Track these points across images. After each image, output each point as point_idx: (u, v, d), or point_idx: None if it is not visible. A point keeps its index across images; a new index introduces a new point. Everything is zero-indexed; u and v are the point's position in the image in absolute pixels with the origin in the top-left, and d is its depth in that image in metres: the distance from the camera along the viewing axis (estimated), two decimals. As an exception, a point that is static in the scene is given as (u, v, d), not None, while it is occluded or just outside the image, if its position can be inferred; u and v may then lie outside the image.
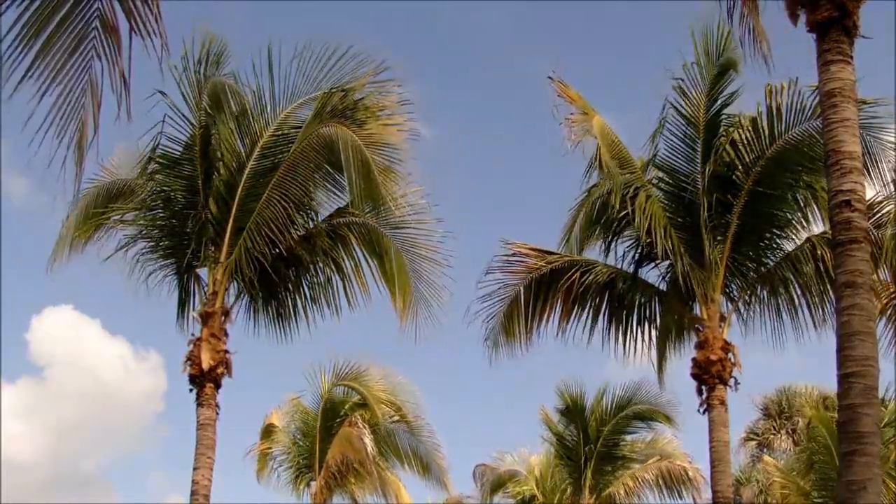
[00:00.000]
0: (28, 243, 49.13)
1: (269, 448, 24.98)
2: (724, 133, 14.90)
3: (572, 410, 24.80)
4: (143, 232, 14.97)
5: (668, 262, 15.51)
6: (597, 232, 16.02)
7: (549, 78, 14.85)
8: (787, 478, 25.50)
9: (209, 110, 14.28)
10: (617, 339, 15.91)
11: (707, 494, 25.12)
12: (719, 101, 14.86)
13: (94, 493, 47.94)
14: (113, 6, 6.53)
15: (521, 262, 15.64)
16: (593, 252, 16.09)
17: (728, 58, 14.33)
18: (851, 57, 8.75)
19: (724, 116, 14.96)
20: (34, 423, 50.78)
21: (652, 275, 15.86)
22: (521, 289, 15.65)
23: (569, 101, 14.81)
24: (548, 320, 15.81)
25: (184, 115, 14.28)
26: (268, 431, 25.02)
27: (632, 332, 15.88)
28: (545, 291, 15.65)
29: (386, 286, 15.09)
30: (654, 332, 15.93)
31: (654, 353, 16.00)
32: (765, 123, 14.47)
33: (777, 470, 26.71)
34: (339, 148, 13.49)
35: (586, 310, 15.80)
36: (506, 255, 15.62)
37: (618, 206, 14.46)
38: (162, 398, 50.77)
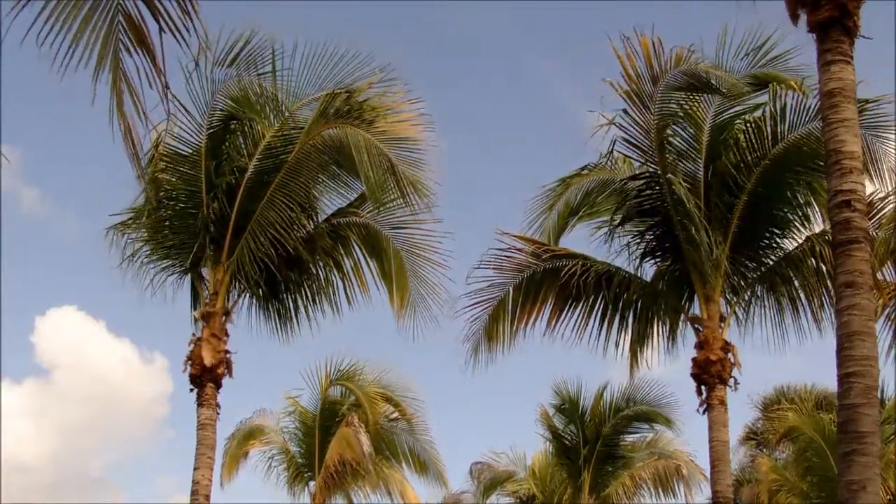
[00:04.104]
0: (35, 248, 49.71)
1: (247, 450, 24.90)
2: (730, 135, 14.85)
3: (569, 409, 24.79)
4: (148, 233, 14.98)
5: (668, 261, 15.54)
6: (572, 223, 16.06)
7: (629, 34, 13.37)
8: (780, 475, 25.49)
9: (227, 108, 14.24)
10: (612, 337, 15.88)
11: (705, 492, 25.19)
12: (738, 108, 14.62)
13: (100, 494, 48.15)
14: (136, 3, 6.67)
15: (513, 258, 15.48)
16: (572, 244, 16.17)
17: (771, 73, 13.78)
18: (852, 57, 8.75)
19: (738, 121, 14.81)
20: (40, 424, 50.93)
21: (650, 274, 15.91)
22: (511, 289, 15.50)
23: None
24: (537, 319, 15.67)
25: (189, 114, 14.24)
26: (251, 434, 24.90)
27: (628, 330, 15.89)
28: (536, 289, 15.49)
29: (384, 285, 15.13)
30: (652, 331, 15.94)
31: (651, 351, 16.02)
32: (769, 124, 14.44)
33: (771, 470, 26.67)
34: (351, 149, 13.46)
35: (580, 307, 15.67)
36: (499, 250, 15.43)
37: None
38: (167, 400, 50.88)
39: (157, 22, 6.71)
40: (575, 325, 15.72)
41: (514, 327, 15.63)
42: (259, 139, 14.51)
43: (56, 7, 6.56)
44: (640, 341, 15.89)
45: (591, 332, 15.76)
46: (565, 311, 15.67)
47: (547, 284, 15.45)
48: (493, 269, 15.46)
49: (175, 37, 6.76)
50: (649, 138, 14.55)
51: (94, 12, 6.66)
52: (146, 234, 15.05)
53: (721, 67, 13.77)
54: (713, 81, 13.70)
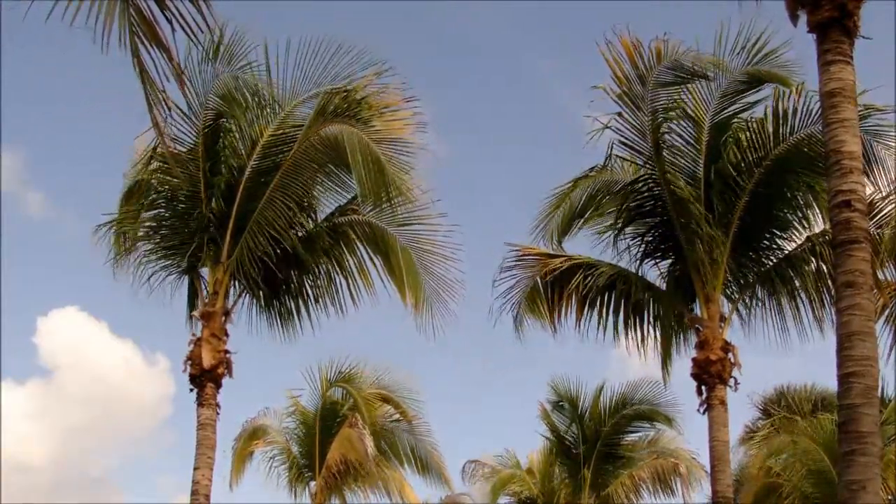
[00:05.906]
0: (37, 248, 49.87)
1: (252, 450, 24.89)
2: (731, 135, 14.84)
3: (568, 407, 24.73)
4: (148, 232, 14.97)
5: (669, 261, 15.56)
6: (578, 225, 16.18)
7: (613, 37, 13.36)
8: (775, 471, 25.43)
9: (217, 107, 14.21)
10: (613, 337, 16.12)
11: (706, 491, 25.13)
12: (735, 106, 14.55)
13: (101, 494, 48.03)
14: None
15: (534, 259, 15.96)
16: (578, 244, 16.42)
17: (764, 71, 13.66)
18: (852, 57, 8.74)
19: (735, 120, 14.79)
20: (42, 424, 50.91)
21: (652, 274, 15.97)
22: (538, 279, 15.94)
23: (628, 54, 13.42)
24: (566, 313, 16.11)
25: (185, 114, 14.20)
26: (255, 434, 24.89)
27: (636, 331, 15.99)
28: (559, 288, 15.95)
29: (393, 284, 15.04)
30: (656, 332, 15.99)
31: (658, 352, 16.07)
32: (770, 126, 14.42)
33: (760, 474, 26.59)
34: (346, 147, 13.43)
35: (595, 309, 16.03)
36: (516, 255, 15.94)
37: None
38: (170, 401, 50.80)
39: (167, 19, 6.75)
40: (594, 325, 16.13)
41: (551, 309, 16.05)
42: (257, 138, 14.46)
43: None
44: (645, 341, 16.02)
45: (597, 334, 16.13)
46: (585, 313, 16.05)
47: (567, 287, 15.89)
48: (519, 268, 16.02)
49: (187, 34, 6.81)
50: (646, 139, 14.56)
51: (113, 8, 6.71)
52: (143, 234, 15.04)
53: (719, 65, 13.67)
54: (698, 68, 13.65)
